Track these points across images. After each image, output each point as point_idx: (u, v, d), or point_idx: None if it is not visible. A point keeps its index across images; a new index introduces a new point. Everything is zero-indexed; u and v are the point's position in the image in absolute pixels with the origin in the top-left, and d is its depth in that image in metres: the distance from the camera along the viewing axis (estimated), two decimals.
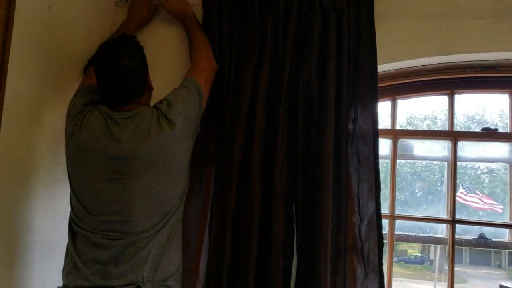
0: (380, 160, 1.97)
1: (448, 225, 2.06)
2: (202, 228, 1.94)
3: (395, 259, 2.13)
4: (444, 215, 2.09)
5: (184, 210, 1.87)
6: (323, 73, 1.88)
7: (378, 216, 1.84)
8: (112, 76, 1.57)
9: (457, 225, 2.04)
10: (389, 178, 2.12)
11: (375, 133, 1.86)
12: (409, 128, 2.17)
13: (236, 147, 1.87)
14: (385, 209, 2.11)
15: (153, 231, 1.56)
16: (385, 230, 2.10)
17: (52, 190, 1.85)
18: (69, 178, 1.65)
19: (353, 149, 1.89)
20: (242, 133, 1.88)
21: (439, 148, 2.17)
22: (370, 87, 1.88)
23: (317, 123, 1.86)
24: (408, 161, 2.32)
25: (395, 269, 2.25)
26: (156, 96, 1.74)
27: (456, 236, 2.04)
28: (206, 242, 1.92)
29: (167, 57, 2.10)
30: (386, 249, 2.06)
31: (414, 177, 2.31)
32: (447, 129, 2.11)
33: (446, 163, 2.12)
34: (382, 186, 1.89)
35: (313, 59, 1.89)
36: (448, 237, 2.05)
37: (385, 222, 2.11)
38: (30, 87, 1.70)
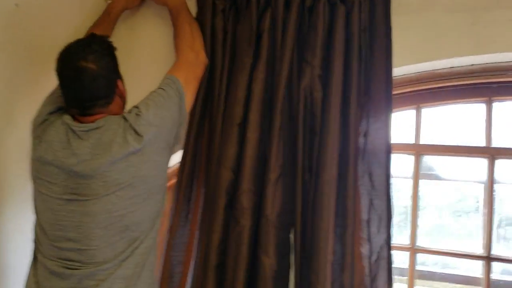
0: (401, 181, 1.66)
1: (483, 262, 1.69)
2: (187, 257, 1.70)
3: None
4: (479, 249, 1.72)
5: (169, 236, 1.65)
6: (328, 78, 1.59)
7: (389, 250, 1.53)
8: (73, 81, 1.36)
9: (494, 263, 1.67)
10: (410, 203, 1.78)
11: (388, 149, 1.55)
12: (436, 143, 1.82)
13: (225, 165, 1.61)
14: (405, 240, 1.78)
15: (117, 262, 1.34)
16: (405, 265, 1.77)
17: (19, 210, 1.65)
18: (33, 196, 1.46)
19: (364, 167, 1.59)
20: (233, 148, 1.62)
21: (473, 168, 1.80)
22: (383, 94, 1.57)
23: (320, 137, 1.58)
24: (435, 182, 1.95)
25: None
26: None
27: (493, 276, 1.67)
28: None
29: (153, 58, 1.87)
30: None
31: (442, 202, 1.93)
32: (483, 145, 1.75)
33: (482, 185, 1.75)
34: (402, 211, 1.57)
35: (317, 61, 1.61)
36: (483, 276, 1.68)
37: (405, 255, 1.77)
38: None
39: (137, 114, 1.39)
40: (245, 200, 1.56)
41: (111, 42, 1.46)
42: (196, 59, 1.63)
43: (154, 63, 1.83)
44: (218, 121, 1.67)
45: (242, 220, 1.55)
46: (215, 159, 1.65)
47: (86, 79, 1.35)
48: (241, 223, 1.55)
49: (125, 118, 1.39)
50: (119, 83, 1.45)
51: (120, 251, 1.35)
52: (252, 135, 1.59)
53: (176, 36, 1.69)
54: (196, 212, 1.71)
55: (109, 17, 1.81)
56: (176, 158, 1.74)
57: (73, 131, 1.37)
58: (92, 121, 1.38)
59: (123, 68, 1.93)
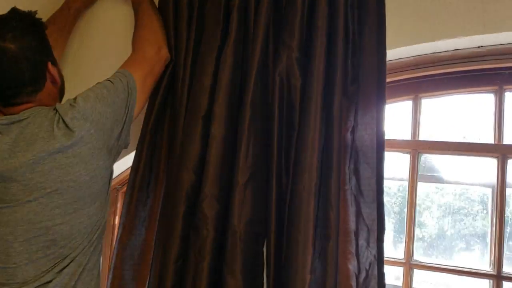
0: (396, 184, 1.42)
1: (491, 281, 1.44)
2: (143, 272, 1.45)
3: None
4: (486, 266, 1.47)
5: (119, 248, 1.42)
6: (308, 62, 1.34)
7: (380, 267, 1.28)
8: None
9: (505, 283, 1.42)
10: (406, 210, 1.52)
11: (380, 147, 1.30)
12: (437, 139, 1.56)
13: (187, 165, 1.36)
14: (400, 254, 1.53)
15: (39, 283, 1.12)
16: (400, 282, 1.51)
17: None
18: None
19: (351, 169, 1.34)
20: (196, 146, 1.37)
21: (481, 169, 1.53)
22: (375, 82, 1.32)
23: (298, 132, 1.32)
24: (435, 185, 1.69)
25: None
26: None
27: None
28: None
29: (116, 48, 1.63)
30: None
31: (443, 208, 1.67)
32: (493, 142, 1.49)
33: (490, 189, 1.50)
34: (396, 220, 1.32)
35: (295, 42, 1.36)
36: None
37: (399, 272, 1.52)
38: None
39: (71, 105, 1.16)
40: (208, 208, 1.31)
41: (38, 18, 1.22)
42: (156, 54, 1.40)
43: (116, 53, 1.59)
44: (181, 113, 1.43)
45: (203, 231, 1.30)
46: (176, 158, 1.40)
47: (4, 62, 1.12)
48: (202, 235, 1.30)
49: (55, 110, 1.16)
50: (50, 66, 1.21)
51: (44, 270, 1.13)
52: (218, 130, 1.34)
53: (135, 28, 1.47)
54: (152, 220, 1.47)
55: (68, 13, 1.59)
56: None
57: None
58: (17, 113, 1.16)
59: (80, 57, 1.70)
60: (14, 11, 1.19)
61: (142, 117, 1.46)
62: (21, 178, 1.09)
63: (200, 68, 1.41)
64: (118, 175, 1.80)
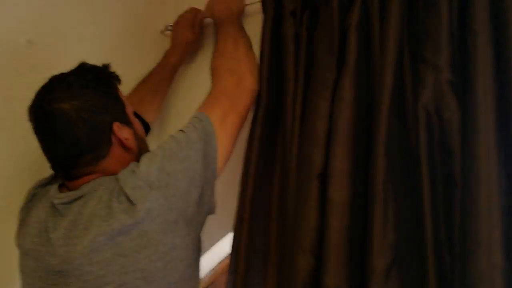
0: None
1: None
2: None
3: None
4: None
5: None
6: (466, 86, 0.90)
7: None
8: (42, 130, 0.94)
9: None
10: None
11: None
12: None
13: (302, 245, 0.98)
14: None
15: None
16: None
17: None
18: None
19: None
20: (313, 217, 0.99)
21: None
22: None
23: (463, 189, 0.88)
24: None
25: None
26: None
27: None
28: None
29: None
30: None
31: None
32: None
33: None
34: None
35: (443, 58, 0.93)
36: None
37: None
38: None
39: (133, 171, 0.89)
40: None
41: (108, 71, 1.00)
42: (236, 87, 1.11)
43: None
44: (291, 173, 1.08)
45: None
46: (288, 235, 1.03)
47: (57, 126, 0.90)
48: None
49: (117, 179, 0.89)
50: (115, 127, 0.95)
51: None
52: (338, 193, 0.95)
53: (214, 54, 1.19)
54: None
55: (164, 70, 1.44)
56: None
57: (53, 205, 0.92)
58: (77, 187, 0.93)
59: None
60: (79, 65, 0.98)
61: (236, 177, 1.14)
62: (78, 273, 0.84)
63: (311, 112, 1.05)
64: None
